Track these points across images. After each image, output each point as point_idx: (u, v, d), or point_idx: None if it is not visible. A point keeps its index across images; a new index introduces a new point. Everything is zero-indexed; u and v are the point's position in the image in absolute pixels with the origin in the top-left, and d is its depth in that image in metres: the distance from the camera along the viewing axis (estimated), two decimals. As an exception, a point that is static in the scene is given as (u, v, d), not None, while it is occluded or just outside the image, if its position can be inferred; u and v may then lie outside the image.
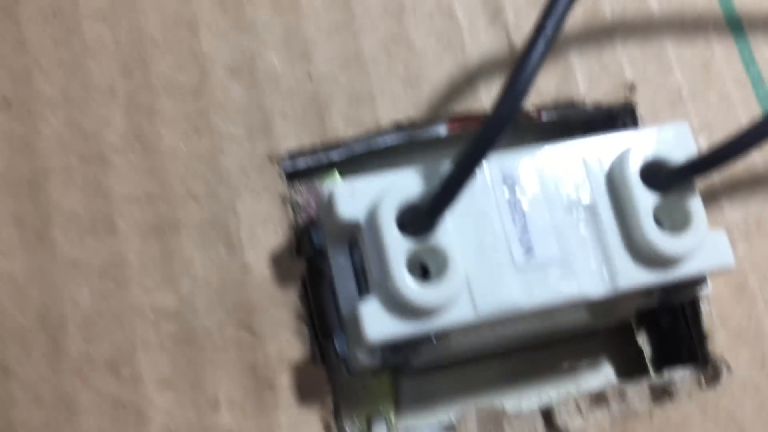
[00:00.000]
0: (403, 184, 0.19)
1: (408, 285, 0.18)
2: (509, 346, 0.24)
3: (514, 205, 0.20)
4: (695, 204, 0.20)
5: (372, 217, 0.19)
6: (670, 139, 0.20)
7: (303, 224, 0.24)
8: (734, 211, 0.24)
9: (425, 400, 0.24)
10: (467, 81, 0.24)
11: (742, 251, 0.23)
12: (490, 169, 0.20)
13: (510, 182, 0.20)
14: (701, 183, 0.23)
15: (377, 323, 0.19)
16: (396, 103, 0.24)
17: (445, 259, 0.19)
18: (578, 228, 0.20)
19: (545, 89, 0.24)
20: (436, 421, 0.23)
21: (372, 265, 0.19)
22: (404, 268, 0.19)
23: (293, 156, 0.23)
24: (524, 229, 0.20)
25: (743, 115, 0.24)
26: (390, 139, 0.24)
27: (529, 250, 0.20)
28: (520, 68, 0.16)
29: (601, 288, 0.20)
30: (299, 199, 0.24)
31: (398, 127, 0.24)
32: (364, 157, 0.24)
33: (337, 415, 0.23)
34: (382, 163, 0.24)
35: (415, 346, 0.20)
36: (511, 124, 0.24)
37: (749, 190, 0.24)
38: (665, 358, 0.24)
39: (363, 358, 0.21)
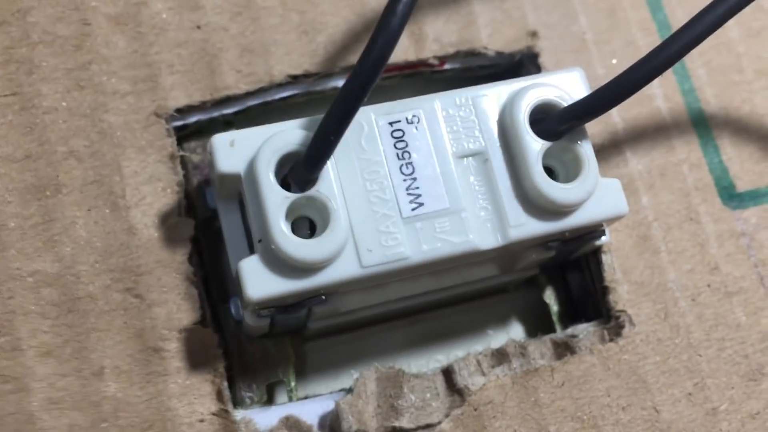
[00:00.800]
0: (285, 135, 0.19)
1: (286, 238, 0.18)
2: (414, 306, 0.24)
3: (402, 154, 0.20)
4: (586, 152, 0.20)
5: (250, 169, 0.19)
6: (562, 86, 0.20)
7: (198, 184, 0.23)
8: (638, 161, 0.24)
9: (329, 365, 0.24)
10: (367, 30, 0.24)
11: (646, 201, 0.23)
12: (376, 119, 0.20)
13: (398, 132, 0.20)
14: (605, 132, 0.24)
15: (257, 281, 0.18)
16: (291, 55, 0.23)
17: (328, 212, 0.19)
18: (469, 177, 0.20)
19: (447, 39, 0.24)
20: (338, 387, 0.23)
21: (253, 220, 0.19)
22: (282, 221, 0.18)
23: (182, 111, 0.23)
24: (412, 180, 0.19)
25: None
26: (286, 93, 0.24)
27: (417, 200, 0.19)
28: (393, 4, 0.16)
29: (492, 240, 0.20)
30: (194, 158, 0.24)
31: (293, 81, 0.23)
32: (259, 111, 0.24)
33: (234, 382, 0.23)
34: (281, 118, 0.23)
35: (305, 305, 0.20)
36: (416, 77, 0.24)
37: (653, 139, 0.24)
38: (574, 316, 0.24)
39: (251, 320, 0.20)
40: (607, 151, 0.24)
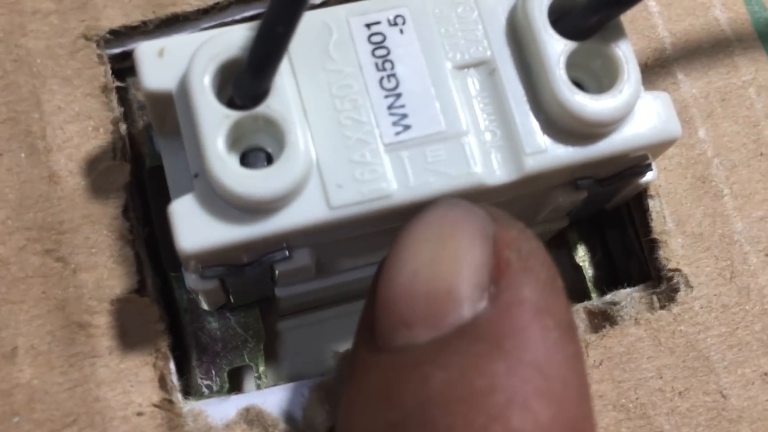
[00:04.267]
0: (226, 38, 0.15)
1: (225, 167, 0.15)
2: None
3: (382, 64, 0.16)
4: (623, 53, 0.16)
5: (183, 82, 0.15)
6: (591, -28, 0.16)
7: (146, 126, 0.20)
8: (692, 84, 0.20)
9: (310, 348, 0.21)
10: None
11: (704, 134, 0.20)
12: (349, 20, 0.16)
13: (377, 36, 0.16)
14: (649, 48, 0.20)
15: (193, 227, 0.15)
16: (257, -41, 0.20)
17: (282, 135, 0.15)
18: (471, 93, 0.16)
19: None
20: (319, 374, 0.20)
21: (188, 150, 0.15)
22: (221, 146, 0.15)
23: (119, 35, 0.20)
24: (396, 96, 0.16)
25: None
26: (251, 11, 0.20)
27: (403, 122, 0.16)
28: None
29: (502, 172, 0.16)
30: (141, 96, 0.21)
31: (257, -7, 0.20)
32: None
33: (189, 368, 0.19)
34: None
35: (263, 262, 0.16)
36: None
37: (710, 57, 0.20)
38: (614, 281, 0.21)
39: (194, 284, 0.17)
40: (652, 72, 0.20)
